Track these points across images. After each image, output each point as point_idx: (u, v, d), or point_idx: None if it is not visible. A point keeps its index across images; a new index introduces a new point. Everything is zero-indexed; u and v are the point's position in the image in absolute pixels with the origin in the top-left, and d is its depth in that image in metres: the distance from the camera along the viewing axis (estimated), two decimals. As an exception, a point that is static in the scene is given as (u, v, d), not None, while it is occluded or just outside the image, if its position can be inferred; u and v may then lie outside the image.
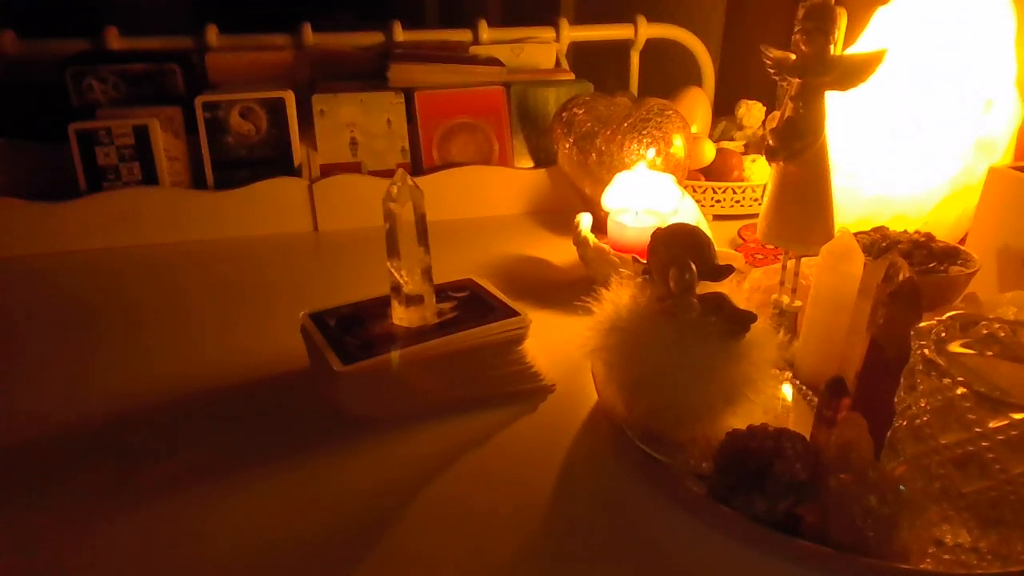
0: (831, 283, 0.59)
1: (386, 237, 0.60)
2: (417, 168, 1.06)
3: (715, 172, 1.06)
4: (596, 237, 0.80)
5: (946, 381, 0.43)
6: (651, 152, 0.92)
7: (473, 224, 1.05)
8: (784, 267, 0.66)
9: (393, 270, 0.60)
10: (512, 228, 1.04)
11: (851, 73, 0.58)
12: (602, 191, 0.82)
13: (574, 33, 1.21)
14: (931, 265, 0.66)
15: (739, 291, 0.56)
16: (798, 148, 0.60)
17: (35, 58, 1.03)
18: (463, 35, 1.16)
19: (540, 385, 0.64)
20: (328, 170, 1.03)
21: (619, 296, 0.55)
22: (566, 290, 0.77)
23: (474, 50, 1.15)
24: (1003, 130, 0.81)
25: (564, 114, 0.97)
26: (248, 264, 0.93)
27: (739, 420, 0.51)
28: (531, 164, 1.11)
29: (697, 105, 1.13)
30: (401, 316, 0.61)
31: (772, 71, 0.62)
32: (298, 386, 0.65)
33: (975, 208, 0.79)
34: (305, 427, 0.59)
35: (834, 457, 0.45)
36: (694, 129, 1.08)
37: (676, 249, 0.52)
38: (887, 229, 0.73)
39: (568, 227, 0.84)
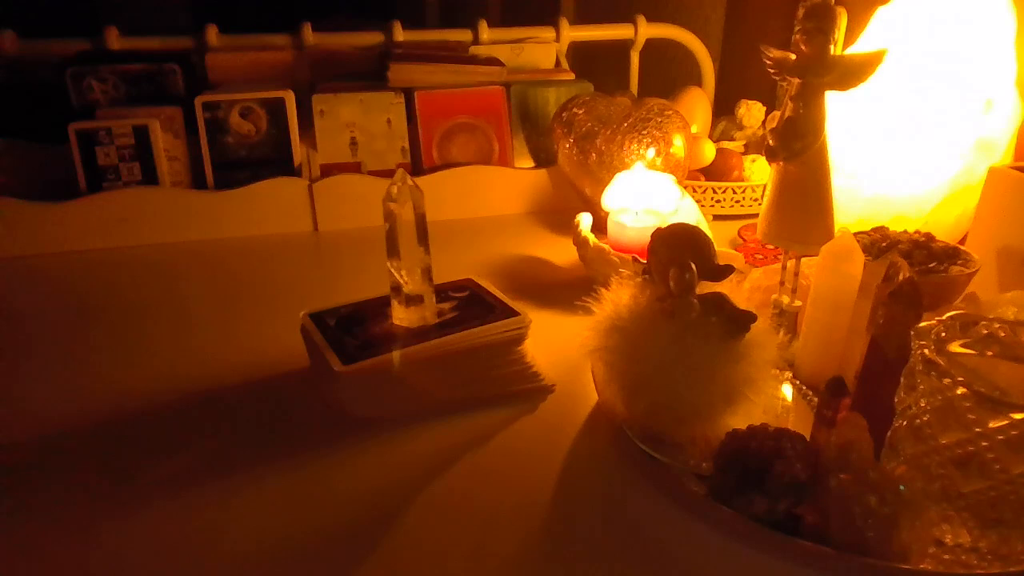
0: (831, 283, 0.59)
1: (386, 237, 0.60)
2: (417, 168, 1.06)
3: (715, 172, 1.06)
4: (596, 237, 0.80)
5: (946, 381, 0.43)
6: (651, 152, 0.92)
7: (473, 224, 1.05)
8: (784, 267, 0.66)
9: (393, 270, 0.60)
10: (512, 228, 1.04)
11: (851, 73, 0.58)
12: (602, 191, 0.82)
13: (574, 33, 1.21)
14: (931, 265, 0.66)
15: (739, 291, 0.56)
16: (798, 148, 0.60)
17: (35, 58, 1.03)
18: (463, 35, 1.16)
19: (540, 385, 0.64)
20: (328, 170, 1.03)
21: (619, 296, 0.55)
22: (566, 290, 0.77)
23: (474, 50, 1.15)
24: (1003, 130, 0.81)
25: (564, 114, 0.97)
26: (248, 264, 0.93)
27: (739, 420, 0.51)
28: (531, 164, 1.11)
29: (697, 105, 1.13)
30: (401, 316, 0.61)
31: (772, 71, 0.62)
32: (298, 386, 0.65)
33: (975, 208, 0.79)
34: (305, 427, 0.59)
35: (834, 457, 0.45)
36: (694, 129, 1.08)
37: (676, 249, 0.52)
38: (887, 229, 0.73)
39: (568, 227, 0.84)
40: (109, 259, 0.93)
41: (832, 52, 0.58)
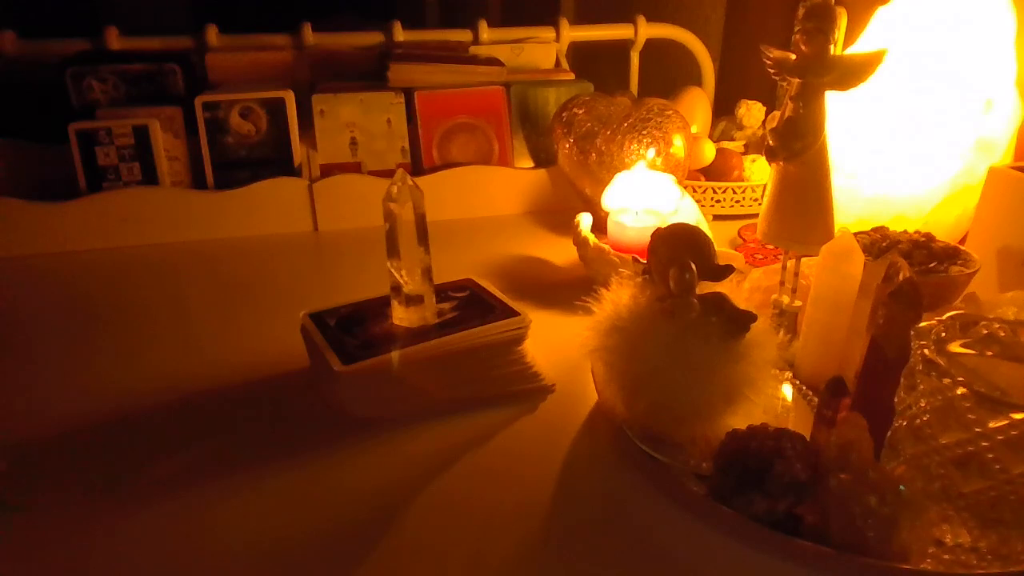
0: (831, 283, 0.59)
1: (386, 237, 0.60)
2: (417, 168, 1.06)
3: (715, 172, 1.06)
4: (596, 237, 0.80)
5: (946, 381, 0.43)
6: (651, 152, 0.92)
7: (473, 224, 1.05)
8: (784, 267, 0.66)
9: (393, 270, 0.60)
10: (512, 228, 1.04)
11: (851, 73, 0.58)
12: (602, 191, 0.82)
13: (574, 33, 1.21)
14: (931, 265, 0.66)
15: (739, 291, 0.56)
16: (798, 148, 0.60)
17: (35, 58, 1.03)
18: (463, 35, 1.16)
19: (540, 385, 0.64)
20: (328, 170, 1.03)
21: (619, 296, 0.55)
22: (566, 290, 0.77)
23: (474, 50, 1.15)
24: (1003, 130, 0.81)
25: (564, 114, 0.97)
26: (248, 264, 0.93)
27: (739, 420, 0.51)
28: (531, 164, 1.11)
29: (697, 105, 1.13)
30: (401, 316, 0.61)
31: (772, 71, 0.62)
32: (298, 386, 0.65)
33: (975, 208, 0.79)
34: (305, 427, 0.59)
35: (834, 457, 0.45)
36: (694, 129, 1.08)
37: (676, 249, 0.52)
38: (887, 229, 0.73)
39: (568, 227, 0.84)
40: (109, 259, 0.93)
41: (832, 52, 0.58)
